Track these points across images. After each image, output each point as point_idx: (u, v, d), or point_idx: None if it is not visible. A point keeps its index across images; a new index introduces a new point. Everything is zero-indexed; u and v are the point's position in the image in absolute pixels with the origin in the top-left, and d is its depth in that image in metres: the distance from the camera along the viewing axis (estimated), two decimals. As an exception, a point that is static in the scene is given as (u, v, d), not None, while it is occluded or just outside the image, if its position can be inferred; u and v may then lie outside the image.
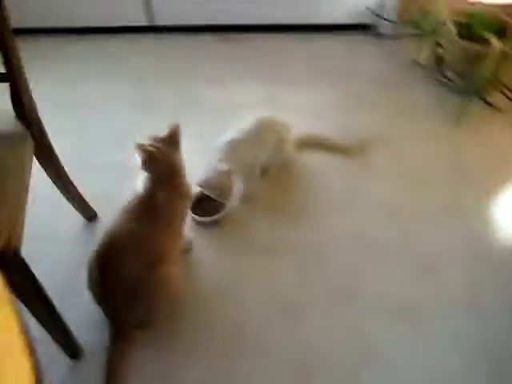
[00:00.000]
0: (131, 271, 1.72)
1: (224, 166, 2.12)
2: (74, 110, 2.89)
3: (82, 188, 2.13)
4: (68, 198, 2.16)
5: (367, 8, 3.10)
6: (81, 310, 1.89)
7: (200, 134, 2.60)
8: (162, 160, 1.79)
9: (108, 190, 2.40)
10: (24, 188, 1.60)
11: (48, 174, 1.98)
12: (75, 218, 2.26)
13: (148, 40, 3.32)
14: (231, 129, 2.29)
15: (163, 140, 1.82)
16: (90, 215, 2.32)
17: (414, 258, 2.10)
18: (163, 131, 1.84)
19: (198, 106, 2.84)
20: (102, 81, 3.06)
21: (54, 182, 2.03)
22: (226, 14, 3.22)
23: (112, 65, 3.17)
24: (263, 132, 2.27)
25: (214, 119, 2.74)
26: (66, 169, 2.01)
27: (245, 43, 3.21)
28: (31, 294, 1.59)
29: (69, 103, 2.93)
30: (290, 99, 2.82)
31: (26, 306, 1.60)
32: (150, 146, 1.75)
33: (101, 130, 2.74)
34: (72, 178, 2.07)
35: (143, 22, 3.29)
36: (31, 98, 1.75)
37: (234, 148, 2.20)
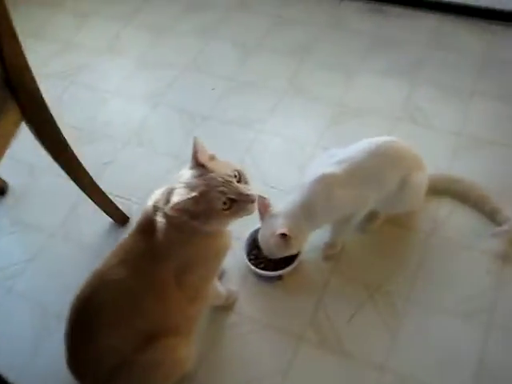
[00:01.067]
0: (113, 344, 1.21)
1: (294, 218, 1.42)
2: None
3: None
4: (86, 193, 1.59)
5: None
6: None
7: (295, 137, 1.90)
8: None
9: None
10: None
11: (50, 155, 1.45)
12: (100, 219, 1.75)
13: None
14: (332, 154, 1.53)
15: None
16: (118, 217, 1.74)
17: None
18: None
19: (304, 99, 2.09)
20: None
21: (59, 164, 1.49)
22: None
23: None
24: (385, 166, 1.49)
25: (321, 122, 1.98)
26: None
27: (400, 22, 2.33)
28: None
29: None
30: (439, 115, 1.96)
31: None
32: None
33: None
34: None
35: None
36: (20, 52, 1.19)
37: (331, 185, 1.45)
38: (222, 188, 1.14)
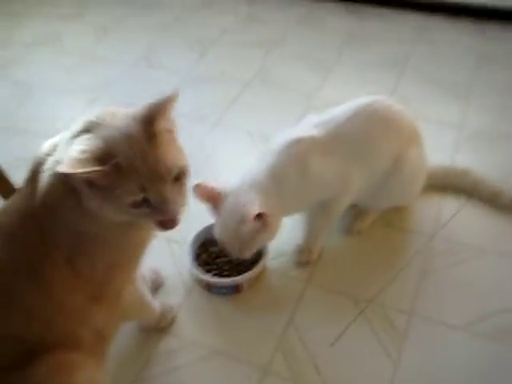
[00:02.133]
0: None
1: (256, 202, 1.03)
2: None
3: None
4: None
5: None
6: None
7: (258, 131, 1.61)
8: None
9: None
10: None
11: None
12: None
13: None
14: (311, 120, 1.17)
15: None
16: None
17: None
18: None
19: (271, 91, 1.76)
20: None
21: None
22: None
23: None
24: (377, 132, 1.13)
25: (291, 114, 1.64)
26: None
27: (378, 21, 2.06)
28: None
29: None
30: (432, 108, 1.64)
31: None
32: None
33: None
34: None
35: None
36: None
37: (308, 152, 1.10)
38: (145, 182, 0.74)
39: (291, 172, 1.07)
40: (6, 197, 1.26)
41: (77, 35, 2.14)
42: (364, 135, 1.11)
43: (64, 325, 0.83)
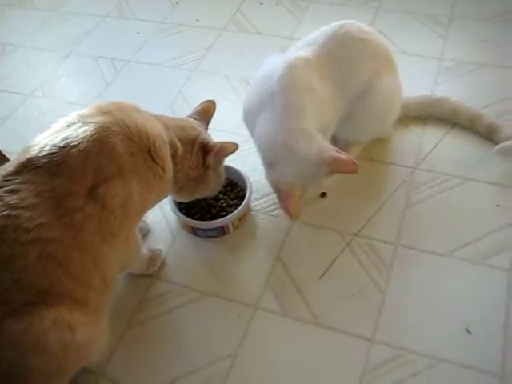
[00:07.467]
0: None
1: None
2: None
3: None
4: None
5: None
6: None
7: (237, 74, 1.55)
8: None
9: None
10: None
11: None
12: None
13: None
14: (272, 58, 1.16)
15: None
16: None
17: None
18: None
19: (247, 35, 1.73)
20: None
21: None
22: None
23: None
24: (350, 50, 1.12)
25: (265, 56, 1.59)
26: None
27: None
28: None
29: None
30: (407, 42, 1.60)
31: None
32: None
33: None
34: None
35: None
36: None
37: (309, 71, 1.08)
38: None
39: (302, 97, 1.05)
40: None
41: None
42: (343, 56, 1.10)
43: (79, 263, 0.82)
